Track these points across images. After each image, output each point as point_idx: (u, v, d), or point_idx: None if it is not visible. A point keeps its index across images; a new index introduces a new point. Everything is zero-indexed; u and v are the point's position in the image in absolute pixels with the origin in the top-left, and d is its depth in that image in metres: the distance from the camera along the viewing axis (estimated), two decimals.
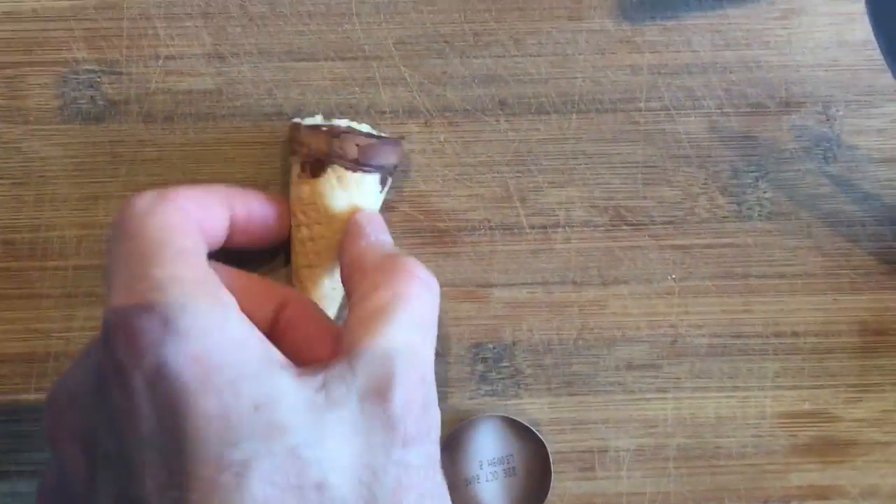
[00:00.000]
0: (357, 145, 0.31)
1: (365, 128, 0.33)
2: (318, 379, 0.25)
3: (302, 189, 0.32)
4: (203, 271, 0.25)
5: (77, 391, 0.26)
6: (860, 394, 0.35)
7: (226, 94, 0.35)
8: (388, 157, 0.33)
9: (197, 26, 0.35)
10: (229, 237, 0.31)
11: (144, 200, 0.27)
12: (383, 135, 0.33)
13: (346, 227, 0.31)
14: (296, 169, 0.33)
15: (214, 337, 0.24)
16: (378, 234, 0.31)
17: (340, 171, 0.32)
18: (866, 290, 0.36)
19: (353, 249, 0.30)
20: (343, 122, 0.33)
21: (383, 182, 0.33)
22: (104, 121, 0.35)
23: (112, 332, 0.24)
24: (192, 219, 0.27)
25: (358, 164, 0.32)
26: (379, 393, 0.25)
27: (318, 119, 0.33)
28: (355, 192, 0.32)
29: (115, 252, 0.26)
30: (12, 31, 0.35)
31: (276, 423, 0.23)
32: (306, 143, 0.32)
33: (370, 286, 0.27)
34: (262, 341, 0.25)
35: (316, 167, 0.32)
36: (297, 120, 0.33)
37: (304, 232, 0.32)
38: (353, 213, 0.32)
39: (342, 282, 0.30)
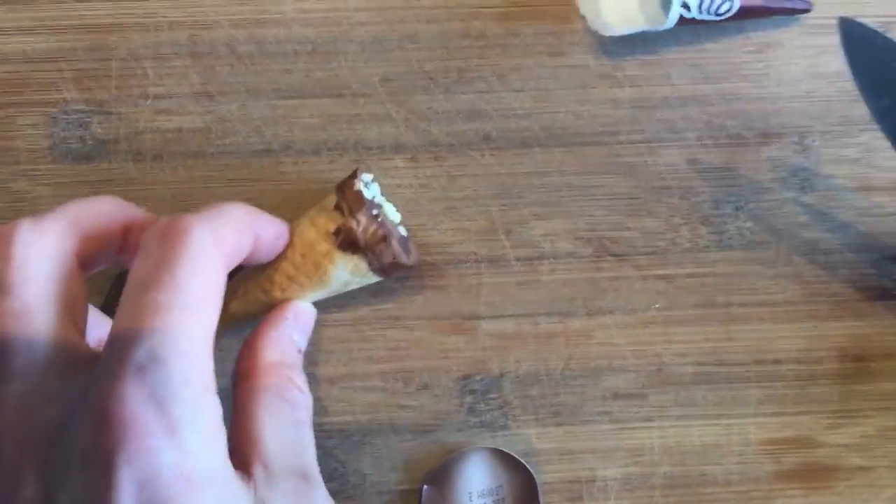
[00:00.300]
0: (393, 257, 0.32)
1: (398, 217, 0.34)
2: (251, 497, 0.26)
3: (320, 243, 0.32)
4: (211, 369, 0.25)
5: (44, 454, 0.23)
6: (842, 419, 0.36)
7: (214, 133, 0.35)
8: (401, 274, 0.34)
9: (185, 66, 0.35)
10: None
11: (205, 241, 0.25)
12: (403, 232, 0.34)
13: (278, 309, 0.32)
14: (328, 222, 0.32)
15: (206, 459, 0.24)
16: (294, 333, 0.32)
17: (363, 264, 0.32)
18: (845, 318, 0.36)
19: (264, 331, 0.31)
20: (391, 207, 0.34)
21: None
22: (93, 160, 0.35)
23: (111, 417, 0.23)
24: (224, 273, 0.26)
25: (380, 271, 0.32)
26: None
27: (369, 180, 0.33)
28: (354, 281, 0.33)
29: (154, 281, 0.24)
30: (2, 72, 0.35)
31: None
32: (360, 222, 0.32)
33: (264, 389, 0.29)
34: (230, 463, 0.25)
35: (347, 245, 0.32)
36: (358, 186, 0.32)
37: (289, 271, 0.32)
38: (292, 301, 0.32)
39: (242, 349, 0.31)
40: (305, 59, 0.36)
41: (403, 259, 0.32)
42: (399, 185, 0.36)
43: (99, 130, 0.35)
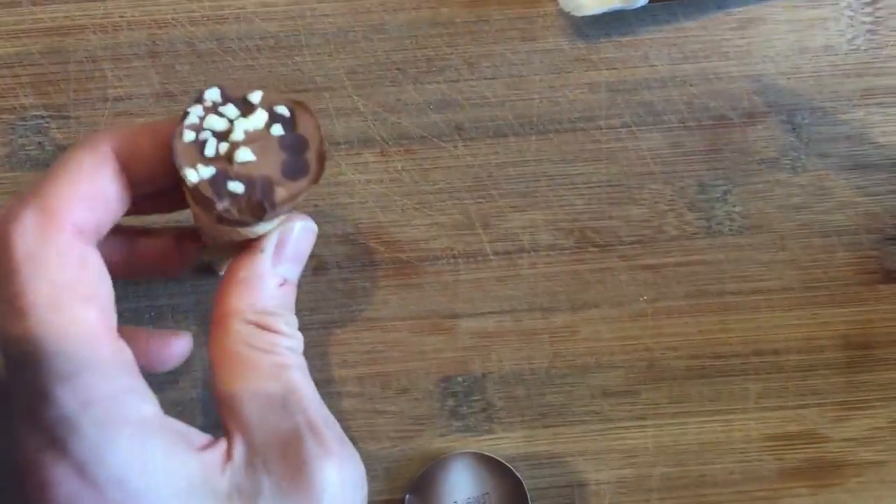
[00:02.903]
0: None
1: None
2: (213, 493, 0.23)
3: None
4: (113, 365, 0.23)
5: None
6: (848, 412, 0.34)
7: None
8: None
9: (145, 66, 0.34)
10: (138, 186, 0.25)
11: (28, 232, 0.22)
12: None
13: (255, 241, 0.27)
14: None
15: (134, 483, 0.22)
16: (269, 265, 0.26)
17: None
18: (847, 303, 0.34)
19: (232, 270, 0.27)
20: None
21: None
22: None
23: (23, 476, 0.22)
24: (86, 252, 0.23)
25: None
26: None
27: (215, 98, 0.25)
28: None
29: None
30: None
31: None
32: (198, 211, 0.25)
33: (233, 341, 0.25)
34: (187, 463, 0.23)
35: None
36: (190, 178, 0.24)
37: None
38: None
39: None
40: (268, 53, 0.34)
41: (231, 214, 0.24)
42: (369, 181, 0.34)
43: (58, 136, 0.34)
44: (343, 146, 0.34)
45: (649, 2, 0.33)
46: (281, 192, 0.24)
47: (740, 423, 0.34)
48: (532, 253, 0.34)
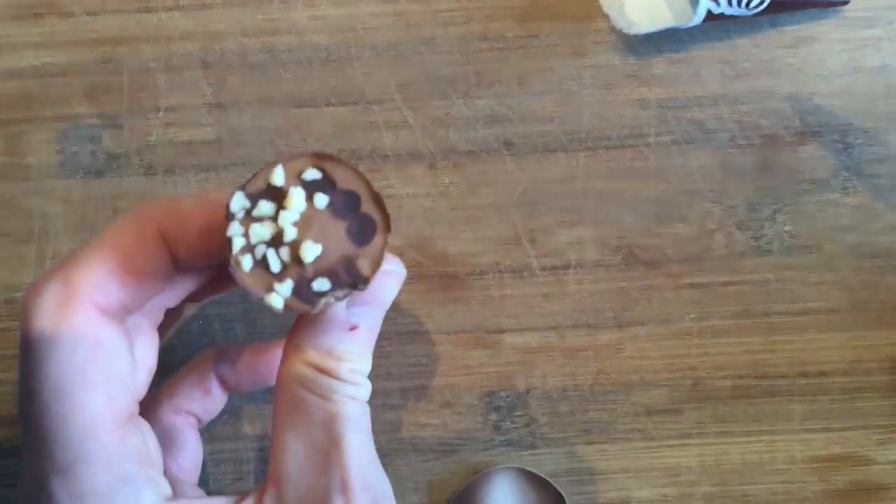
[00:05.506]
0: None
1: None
2: None
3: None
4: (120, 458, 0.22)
5: None
6: (893, 434, 0.34)
7: (227, 144, 0.34)
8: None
9: (196, 77, 0.35)
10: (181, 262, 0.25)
11: (46, 309, 0.22)
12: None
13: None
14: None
15: None
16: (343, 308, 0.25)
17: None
18: (895, 326, 0.34)
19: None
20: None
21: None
22: (105, 175, 0.34)
23: None
24: (106, 333, 0.22)
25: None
26: None
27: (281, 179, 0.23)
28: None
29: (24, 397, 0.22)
30: (13, 87, 0.35)
31: None
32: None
33: (284, 385, 0.24)
34: None
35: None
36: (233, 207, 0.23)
37: None
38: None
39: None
40: (319, 66, 0.35)
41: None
42: (417, 194, 0.34)
43: (110, 144, 0.34)
44: (391, 159, 0.34)
45: (702, 20, 0.33)
46: (364, 265, 0.23)
47: (784, 444, 0.34)
48: (578, 269, 0.34)
